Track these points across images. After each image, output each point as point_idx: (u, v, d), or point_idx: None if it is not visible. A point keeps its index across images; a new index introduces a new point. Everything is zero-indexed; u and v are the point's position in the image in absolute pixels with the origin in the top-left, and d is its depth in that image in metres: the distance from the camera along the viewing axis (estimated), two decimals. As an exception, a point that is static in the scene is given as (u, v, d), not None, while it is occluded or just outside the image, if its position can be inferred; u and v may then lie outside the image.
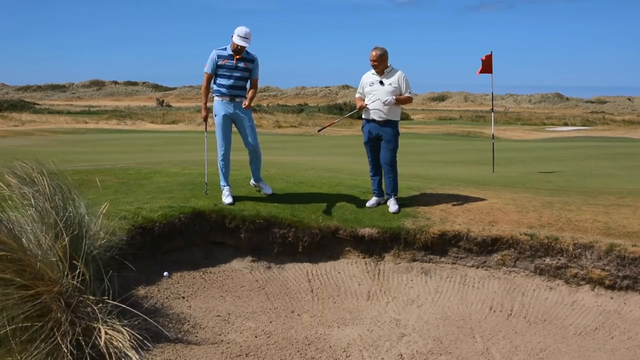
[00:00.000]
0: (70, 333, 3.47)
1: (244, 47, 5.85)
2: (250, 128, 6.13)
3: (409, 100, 6.19)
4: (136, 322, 3.77)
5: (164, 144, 19.40)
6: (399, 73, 6.10)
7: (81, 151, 15.13)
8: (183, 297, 4.85)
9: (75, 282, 3.64)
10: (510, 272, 5.39)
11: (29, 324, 3.46)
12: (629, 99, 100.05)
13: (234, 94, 6.01)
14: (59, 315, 3.51)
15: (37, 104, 68.55)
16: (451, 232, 5.58)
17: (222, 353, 4.08)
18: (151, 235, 5.19)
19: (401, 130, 6.38)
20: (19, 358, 3.38)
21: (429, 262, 5.63)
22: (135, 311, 3.83)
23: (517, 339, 4.53)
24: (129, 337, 3.54)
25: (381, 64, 6.05)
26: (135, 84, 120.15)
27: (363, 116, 6.30)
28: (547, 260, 5.26)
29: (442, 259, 5.61)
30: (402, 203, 6.24)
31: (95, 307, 3.63)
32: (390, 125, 6.11)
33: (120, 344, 3.48)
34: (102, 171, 7.57)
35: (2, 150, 14.39)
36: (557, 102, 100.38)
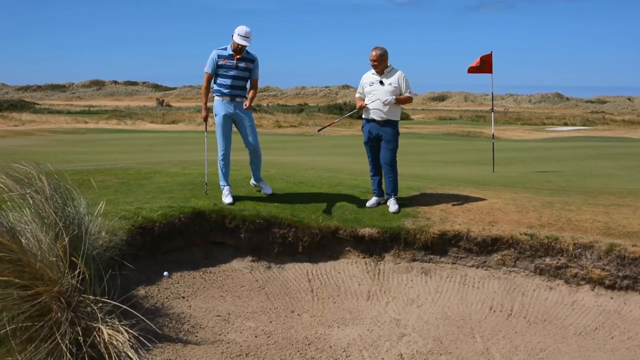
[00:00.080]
0: (70, 333, 3.47)
1: (245, 46, 5.86)
2: (250, 128, 6.13)
3: (409, 100, 6.19)
4: (136, 322, 3.77)
5: (164, 144, 19.41)
6: (398, 73, 6.10)
7: (81, 151, 15.14)
8: (183, 297, 4.85)
9: (75, 282, 3.64)
10: (510, 272, 5.39)
11: (29, 324, 3.46)
12: (629, 99, 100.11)
13: (234, 93, 6.02)
14: (58, 315, 3.51)
15: (37, 104, 68.57)
16: (451, 232, 5.58)
17: (222, 353, 4.08)
18: (151, 235, 5.19)
19: (401, 130, 6.38)
20: (19, 358, 3.37)
21: (429, 262, 5.63)
22: (135, 312, 3.83)
23: (517, 338, 4.53)
24: (128, 337, 3.54)
25: (381, 64, 6.05)
26: (135, 83, 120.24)
27: (363, 116, 6.30)
28: (547, 260, 5.26)
29: (442, 259, 5.61)
30: (402, 203, 6.24)
31: (95, 307, 3.63)
32: (390, 125, 6.11)
33: (120, 344, 3.48)
34: (102, 171, 7.57)
35: (2, 150, 14.40)
36: (557, 102, 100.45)
